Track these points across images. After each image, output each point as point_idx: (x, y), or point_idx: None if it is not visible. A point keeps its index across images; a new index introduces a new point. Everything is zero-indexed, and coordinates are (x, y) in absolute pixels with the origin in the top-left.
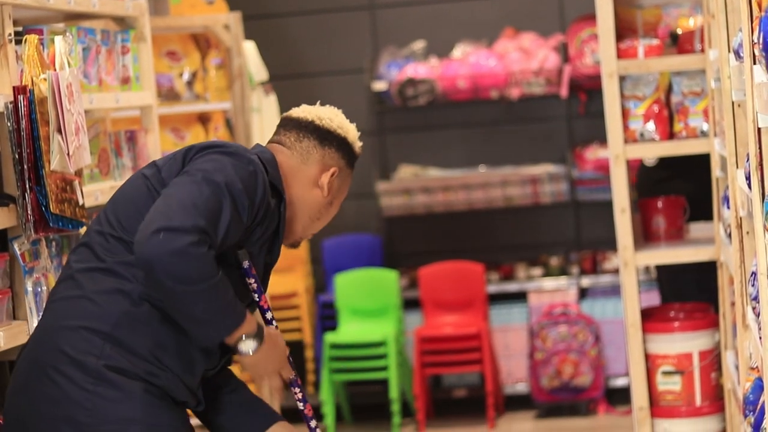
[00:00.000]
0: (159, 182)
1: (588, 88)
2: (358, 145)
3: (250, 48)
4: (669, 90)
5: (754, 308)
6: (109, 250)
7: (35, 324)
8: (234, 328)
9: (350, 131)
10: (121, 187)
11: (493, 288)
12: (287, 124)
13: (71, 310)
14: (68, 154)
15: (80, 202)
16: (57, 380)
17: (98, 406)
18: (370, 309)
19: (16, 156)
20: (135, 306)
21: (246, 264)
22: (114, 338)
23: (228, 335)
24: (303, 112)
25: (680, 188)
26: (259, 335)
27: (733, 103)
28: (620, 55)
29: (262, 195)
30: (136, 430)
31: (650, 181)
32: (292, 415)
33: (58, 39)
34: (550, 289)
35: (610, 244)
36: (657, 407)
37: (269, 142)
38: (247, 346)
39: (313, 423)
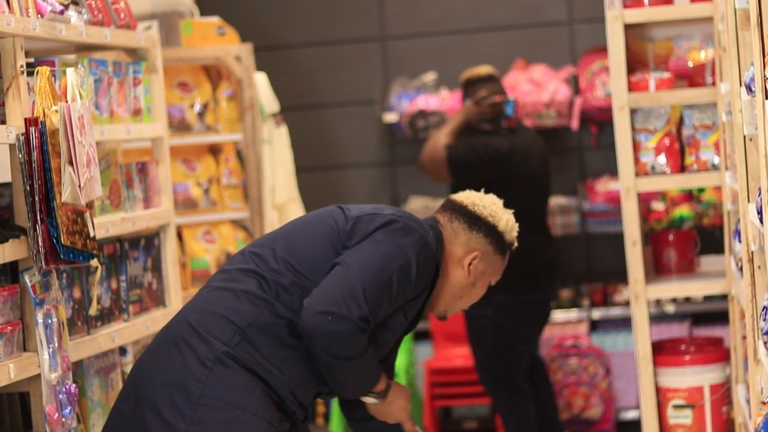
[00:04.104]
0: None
1: (599, 121)
2: (511, 234)
3: (261, 79)
4: (680, 123)
5: (765, 342)
6: (277, 281)
7: (45, 356)
8: (367, 390)
9: (502, 220)
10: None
11: None
12: (446, 205)
13: (218, 299)
14: (79, 185)
15: (91, 234)
16: (183, 351)
17: (211, 382)
18: None
19: (28, 188)
20: (275, 318)
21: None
22: (245, 334)
23: (361, 395)
24: (462, 196)
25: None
26: (382, 394)
27: (744, 137)
28: (631, 87)
29: (428, 280)
30: (237, 414)
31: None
32: None
33: (69, 71)
34: (561, 322)
35: (621, 277)
36: None
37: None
38: (369, 399)
39: None
